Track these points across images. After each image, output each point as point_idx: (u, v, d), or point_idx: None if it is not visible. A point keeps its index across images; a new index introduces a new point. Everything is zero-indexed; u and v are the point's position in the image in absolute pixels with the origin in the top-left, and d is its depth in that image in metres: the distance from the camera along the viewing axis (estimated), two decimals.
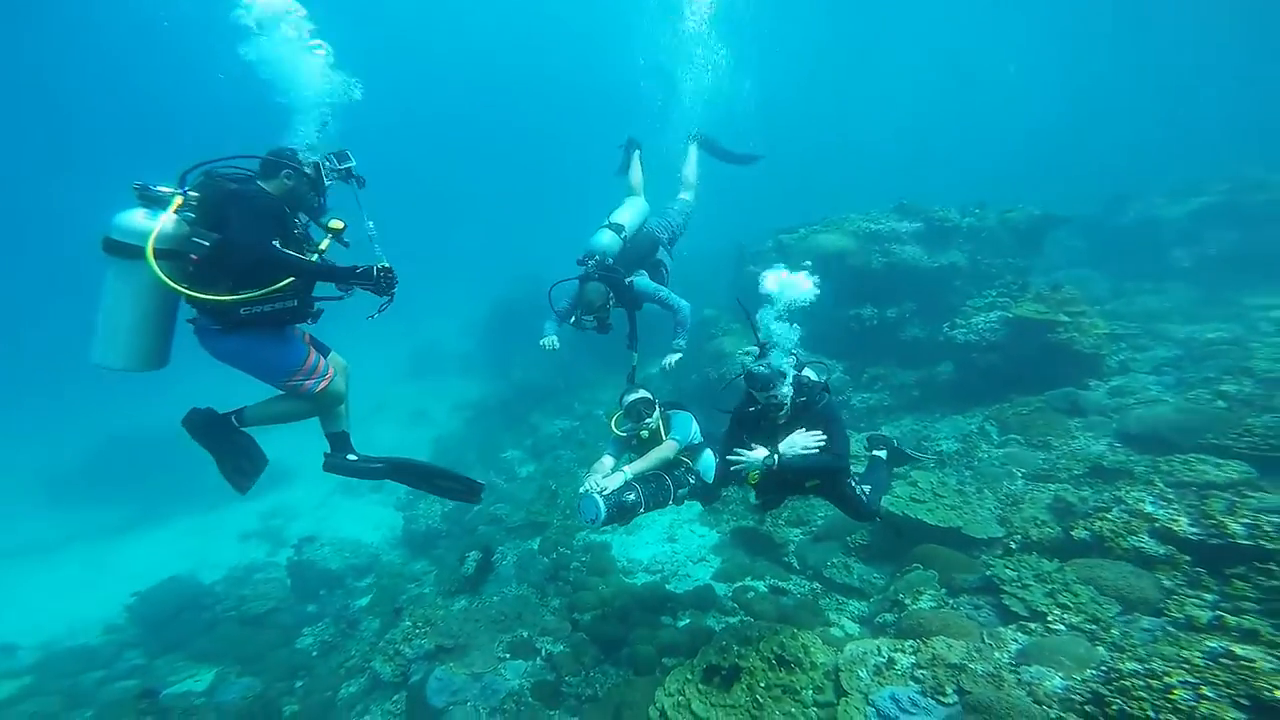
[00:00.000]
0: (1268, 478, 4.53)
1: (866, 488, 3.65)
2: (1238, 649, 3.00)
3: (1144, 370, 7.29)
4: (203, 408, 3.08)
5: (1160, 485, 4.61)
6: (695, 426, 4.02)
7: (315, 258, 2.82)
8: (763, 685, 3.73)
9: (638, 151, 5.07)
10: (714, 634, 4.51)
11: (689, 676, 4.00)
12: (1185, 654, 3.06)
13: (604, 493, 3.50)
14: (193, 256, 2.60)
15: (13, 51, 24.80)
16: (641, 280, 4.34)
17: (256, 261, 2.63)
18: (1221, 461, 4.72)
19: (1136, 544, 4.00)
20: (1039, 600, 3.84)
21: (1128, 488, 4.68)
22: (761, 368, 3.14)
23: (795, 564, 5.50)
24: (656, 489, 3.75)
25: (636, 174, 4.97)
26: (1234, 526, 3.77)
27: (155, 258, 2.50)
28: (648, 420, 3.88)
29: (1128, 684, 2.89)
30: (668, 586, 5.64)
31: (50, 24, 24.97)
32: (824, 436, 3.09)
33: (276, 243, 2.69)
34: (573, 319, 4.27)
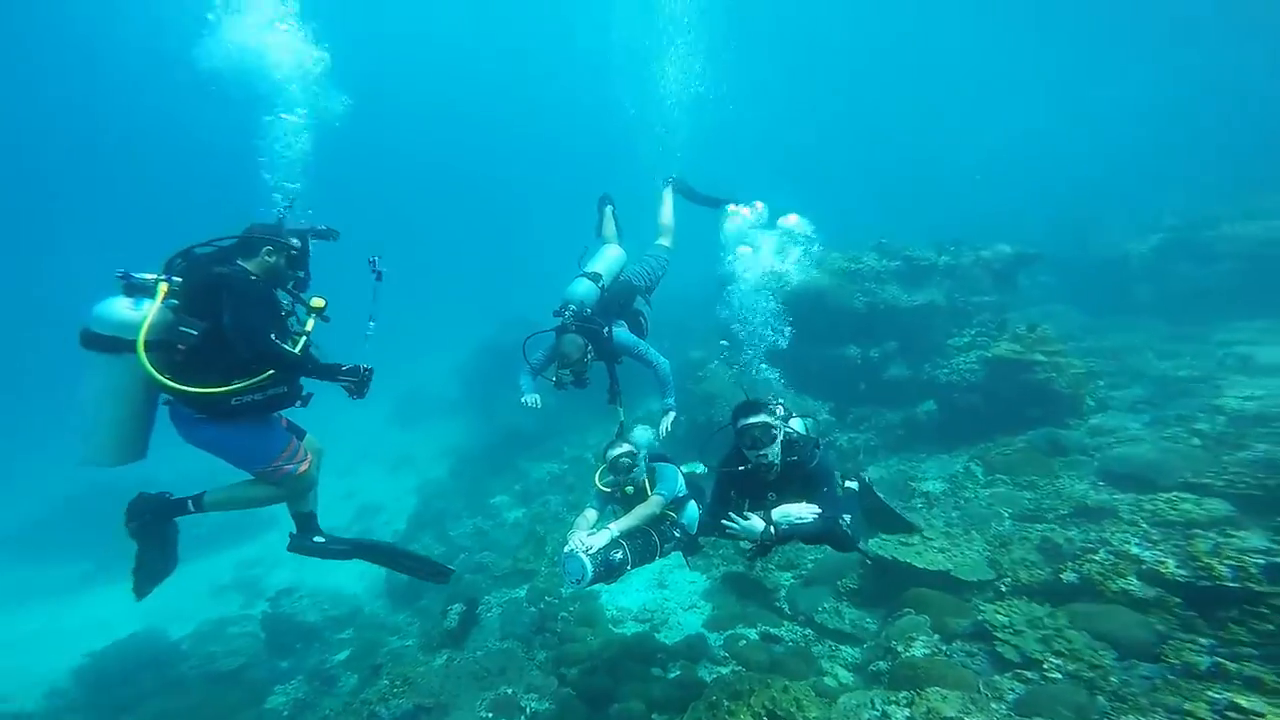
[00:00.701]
0: (1247, 515, 4.60)
1: (847, 517, 3.61)
2: (1242, 700, 2.99)
3: (1121, 408, 7.47)
4: (154, 493, 2.96)
5: (1145, 525, 4.67)
6: (681, 480, 3.97)
7: (302, 340, 2.81)
8: None
9: (610, 207, 5.10)
10: (705, 686, 4.37)
11: None
12: (1190, 706, 3.04)
13: (589, 551, 3.37)
14: (180, 346, 2.57)
15: None
16: (621, 332, 4.25)
17: (255, 355, 2.62)
18: (1202, 499, 4.80)
19: (1125, 586, 4.01)
20: (1033, 647, 3.80)
21: (1113, 528, 4.73)
22: (755, 424, 3.03)
23: (787, 609, 5.40)
24: (643, 545, 3.66)
25: (610, 228, 5.01)
26: (1220, 569, 3.80)
27: (145, 350, 2.46)
28: (633, 474, 3.82)
29: None
30: (658, 636, 5.49)
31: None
32: (816, 510, 2.96)
33: (273, 334, 2.69)
34: (551, 375, 4.16)
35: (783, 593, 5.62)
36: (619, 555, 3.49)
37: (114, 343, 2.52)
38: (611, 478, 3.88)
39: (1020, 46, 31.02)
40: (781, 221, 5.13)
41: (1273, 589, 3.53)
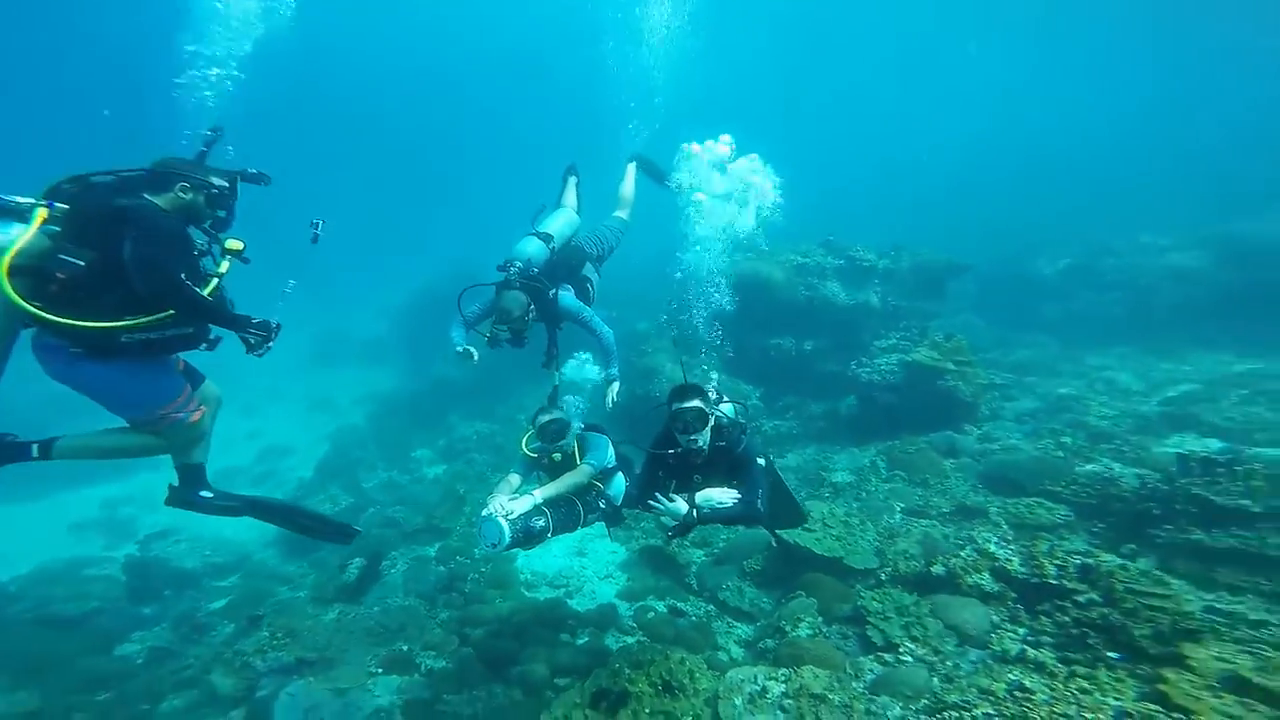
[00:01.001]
0: (1081, 520, 5.27)
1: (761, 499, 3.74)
2: (1028, 680, 3.46)
3: (1009, 419, 8.22)
4: None
5: (1005, 526, 5.21)
6: (611, 451, 3.95)
7: (213, 282, 2.61)
8: (647, 711, 3.76)
9: (574, 178, 4.90)
10: (610, 654, 4.51)
11: (577, 700, 3.95)
12: (994, 686, 3.47)
13: (510, 516, 3.32)
14: (58, 275, 2.33)
15: None
16: (567, 296, 4.11)
17: (157, 292, 2.39)
18: (1053, 505, 5.41)
19: (979, 581, 4.46)
20: (895, 632, 4.19)
21: (981, 528, 5.24)
22: (688, 409, 3.04)
23: (695, 585, 5.64)
24: (566, 513, 3.64)
25: (570, 198, 4.82)
26: (1049, 567, 4.30)
27: (10, 275, 2.22)
28: (562, 442, 3.77)
29: (946, 716, 3.23)
30: (570, 603, 5.58)
31: None
32: (736, 495, 3.05)
33: (181, 274, 2.44)
34: (486, 331, 3.96)
35: (694, 569, 5.85)
36: (540, 522, 3.46)
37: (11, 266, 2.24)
38: (539, 444, 3.80)
39: (985, 50, 32.03)
40: (734, 167, 4.85)
41: (1078, 586, 4.06)
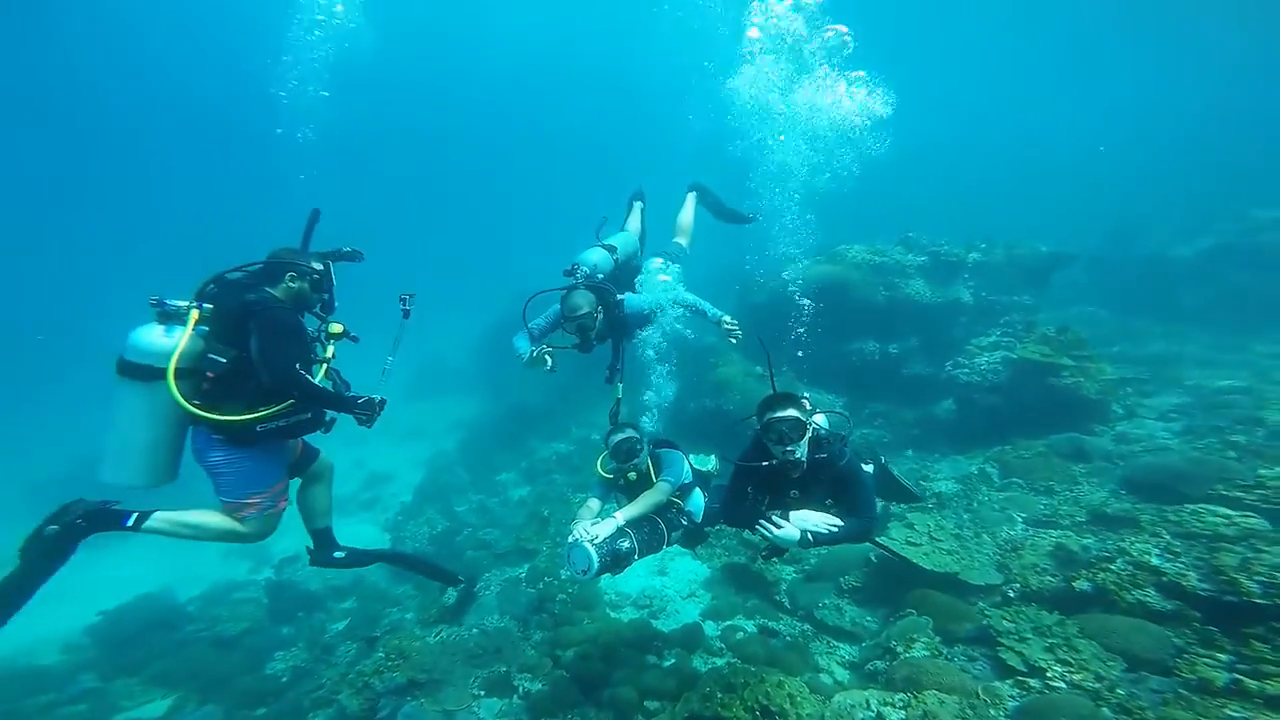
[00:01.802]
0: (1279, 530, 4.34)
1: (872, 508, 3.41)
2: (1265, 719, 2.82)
3: (1151, 417, 7.13)
4: (95, 500, 2.73)
5: (1167, 537, 4.43)
6: (687, 466, 3.83)
7: (323, 368, 2.86)
8: None
9: (640, 204, 4.90)
10: (699, 677, 4.31)
11: None
12: None
13: (595, 541, 3.22)
14: (209, 374, 2.61)
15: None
16: (633, 298, 4.02)
17: (278, 383, 2.61)
18: (1232, 513, 4.53)
19: (1142, 598, 3.82)
20: (1037, 655, 3.65)
21: (1132, 538, 4.50)
22: (784, 419, 2.74)
23: (786, 603, 5.30)
24: (650, 534, 3.49)
25: (635, 223, 4.81)
26: (1249, 585, 3.59)
27: (175, 377, 2.50)
28: (636, 461, 3.67)
29: None
30: (655, 623, 5.43)
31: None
32: (835, 521, 2.75)
33: (299, 364, 2.68)
34: (546, 341, 3.90)
35: (784, 586, 5.52)
36: (626, 544, 3.34)
37: (147, 371, 2.55)
38: (614, 464, 3.74)
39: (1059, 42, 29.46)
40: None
41: None
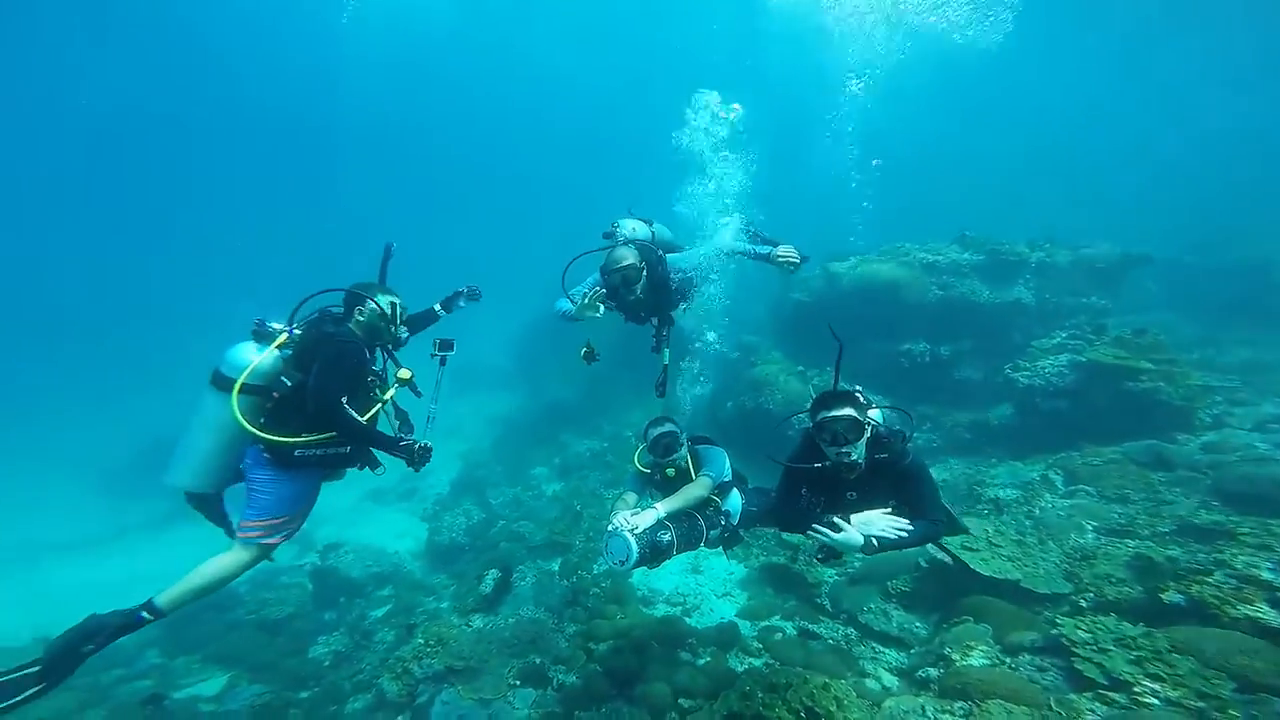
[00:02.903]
0: None
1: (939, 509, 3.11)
2: None
3: (1244, 427, 6.46)
4: (107, 614, 2.71)
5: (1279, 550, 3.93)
6: (727, 464, 3.66)
7: (375, 408, 2.92)
8: None
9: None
10: (736, 676, 4.12)
11: None
12: None
13: (635, 531, 3.09)
14: (274, 394, 2.76)
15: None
16: (675, 256, 3.77)
17: (319, 414, 2.72)
18: None
19: (1252, 613, 3.39)
20: (1121, 668, 3.28)
21: (1233, 550, 4.03)
22: (839, 418, 2.53)
23: (828, 606, 5.03)
24: (689, 529, 3.35)
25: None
26: None
27: (241, 392, 2.66)
28: (675, 456, 3.53)
29: None
30: (688, 620, 5.27)
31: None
32: (904, 523, 2.49)
33: (345, 398, 2.75)
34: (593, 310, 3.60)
35: (825, 589, 5.24)
36: (666, 537, 3.19)
37: (226, 382, 2.72)
38: (651, 458, 3.59)
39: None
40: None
41: None
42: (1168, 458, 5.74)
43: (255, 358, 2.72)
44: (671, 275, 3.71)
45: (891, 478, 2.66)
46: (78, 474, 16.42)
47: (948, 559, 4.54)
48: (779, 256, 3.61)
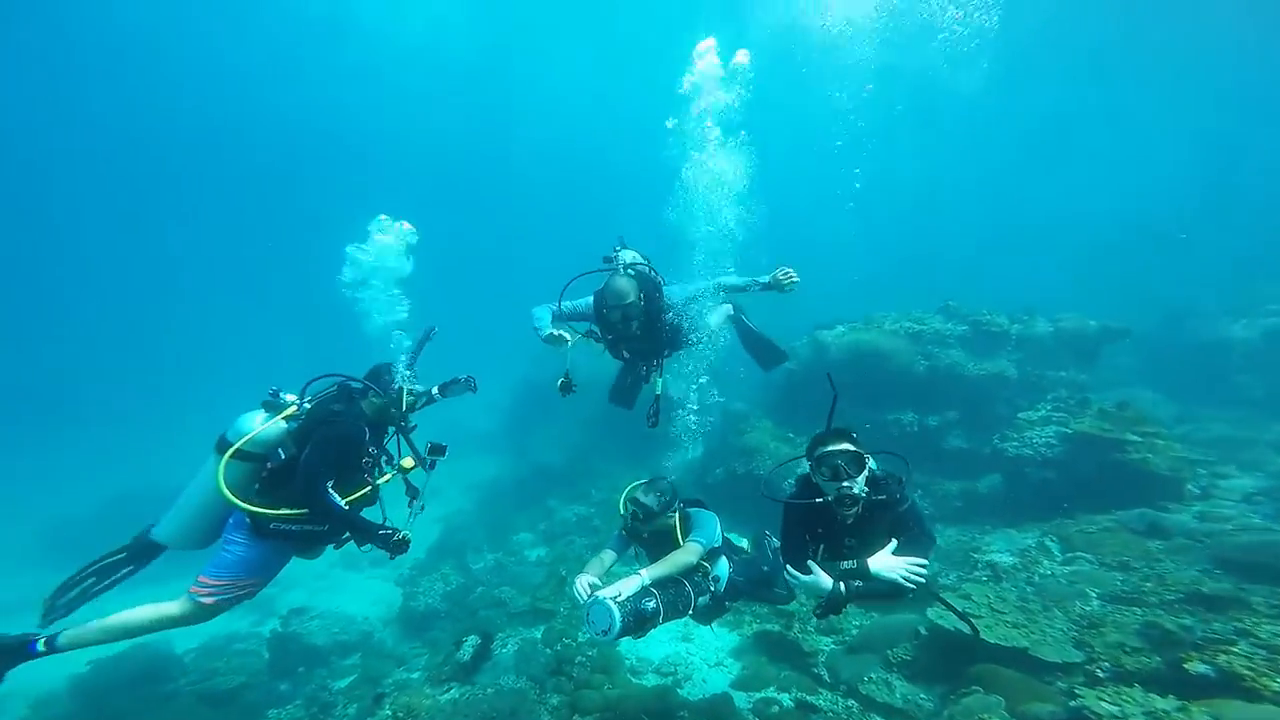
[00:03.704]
0: None
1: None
2: None
3: (1231, 499, 6.50)
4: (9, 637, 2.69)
5: None
6: (718, 529, 3.49)
7: (362, 490, 2.96)
8: None
9: None
10: None
11: None
12: None
13: (618, 599, 2.91)
14: (269, 464, 2.83)
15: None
16: (672, 289, 3.77)
17: (299, 491, 2.77)
18: None
19: None
20: None
21: (1253, 619, 3.92)
22: (838, 452, 2.51)
23: (826, 676, 4.73)
24: (676, 596, 3.16)
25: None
26: None
27: (237, 458, 2.74)
28: (664, 519, 3.34)
29: None
30: (680, 692, 4.90)
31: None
32: (923, 562, 2.48)
33: (332, 480, 2.81)
34: (580, 329, 3.63)
35: (822, 658, 4.95)
36: (651, 604, 3.00)
37: (226, 445, 2.79)
38: (638, 505, 3.37)
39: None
40: None
41: None
42: (1163, 526, 5.72)
43: (258, 426, 2.77)
44: (666, 310, 3.69)
45: (888, 521, 2.63)
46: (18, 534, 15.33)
47: (953, 620, 4.34)
48: (780, 279, 3.71)
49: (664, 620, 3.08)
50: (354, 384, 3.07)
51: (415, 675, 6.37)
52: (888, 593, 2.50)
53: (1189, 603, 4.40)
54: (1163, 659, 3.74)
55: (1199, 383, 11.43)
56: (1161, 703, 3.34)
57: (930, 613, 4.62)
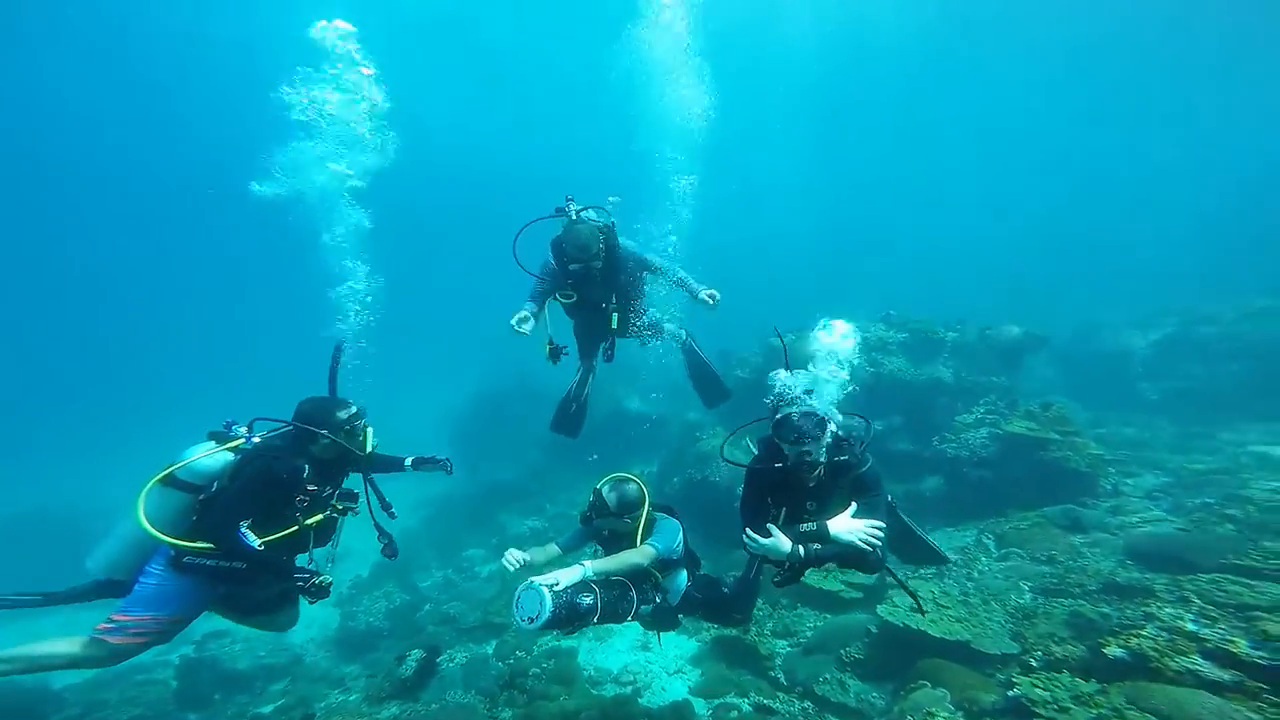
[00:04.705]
0: None
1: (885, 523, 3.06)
2: None
3: (1136, 495, 7.13)
4: None
5: (1199, 603, 4.20)
6: (681, 540, 3.31)
7: (284, 530, 2.79)
8: None
9: None
10: None
11: None
12: None
13: (555, 586, 2.71)
14: (201, 496, 2.75)
15: None
16: (627, 240, 3.88)
17: (212, 529, 2.67)
18: (1253, 582, 4.36)
19: (1190, 666, 3.52)
20: None
21: (1157, 605, 4.27)
22: (798, 415, 2.50)
23: (783, 679, 4.79)
24: (618, 598, 2.99)
25: None
26: None
27: (171, 485, 2.67)
28: (628, 518, 3.13)
29: None
30: (640, 701, 4.83)
31: None
32: (881, 525, 2.48)
33: (250, 520, 2.70)
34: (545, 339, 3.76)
35: (779, 661, 5.01)
36: (588, 600, 2.82)
37: (168, 475, 2.70)
38: (602, 500, 3.19)
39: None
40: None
41: None
42: (1082, 521, 6.18)
43: (199, 456, 2.71)
44: (625, 255, 3.85)
45: (849, 484, 2.63)
46: None
47: (902, 616, 4.49)
48: (704, 295, 3.96)
49: (599, 621, 2.90)
50: (306, 429, 2.91)
51: (354, 698, 5.97)
52: (846, 555, 2.50)
53: (1106, 592, 4.76)
54: (1086, 646, 4.01)
55: (1107, 389, 12.53)
56: (1085, 686, 3.57)
57: (881, 609, 4.77)
